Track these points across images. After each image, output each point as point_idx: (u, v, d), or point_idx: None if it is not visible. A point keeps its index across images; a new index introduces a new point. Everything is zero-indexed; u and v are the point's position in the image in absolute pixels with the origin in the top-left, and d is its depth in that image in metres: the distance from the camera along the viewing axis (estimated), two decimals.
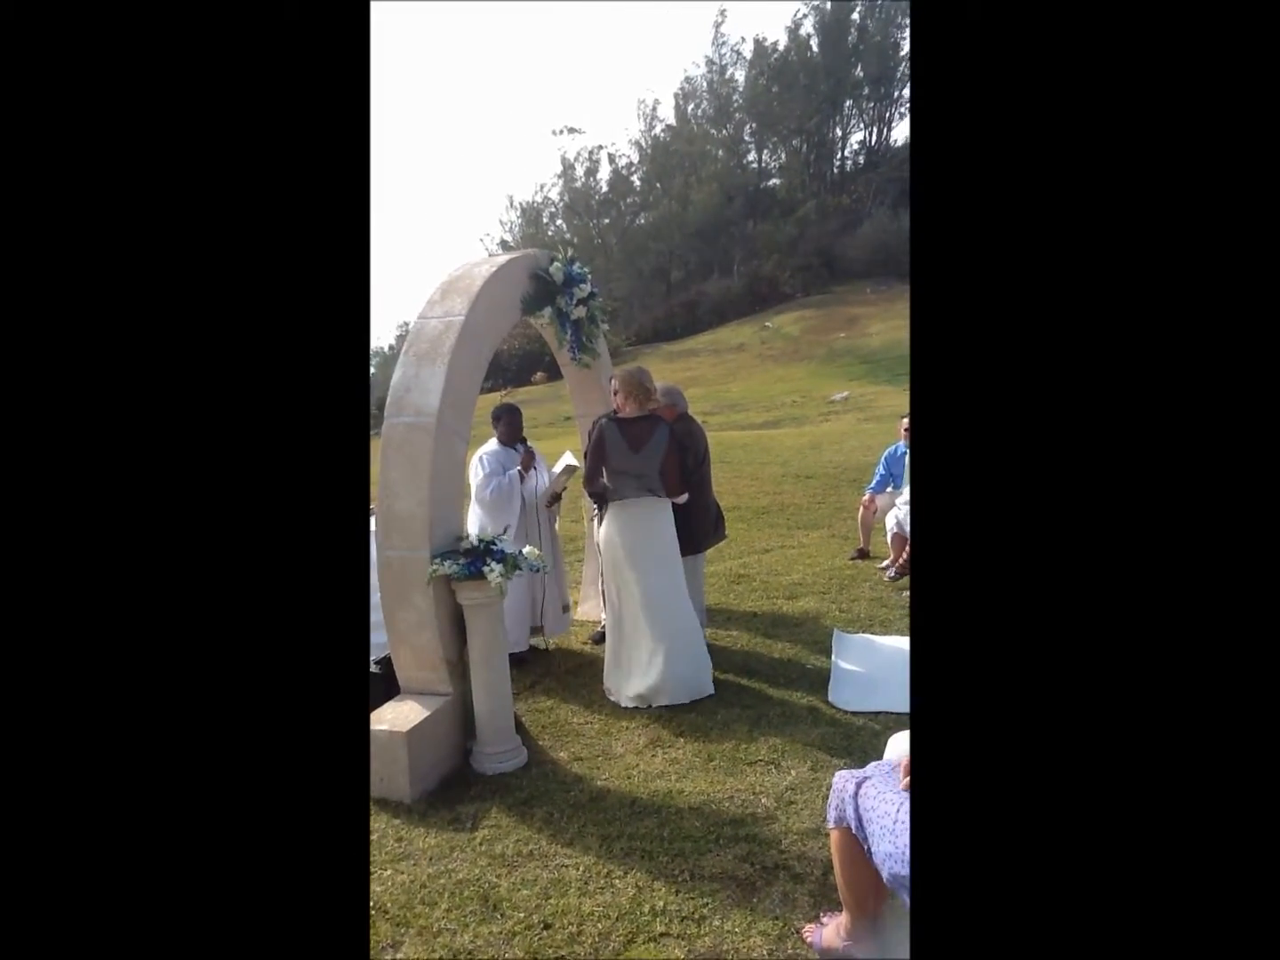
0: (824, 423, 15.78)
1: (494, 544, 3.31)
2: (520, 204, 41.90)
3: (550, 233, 39.46)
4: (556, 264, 4.22)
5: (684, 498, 4.04)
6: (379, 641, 4.06)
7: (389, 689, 3.47)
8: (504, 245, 40.26)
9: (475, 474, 4.33)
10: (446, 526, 3.39)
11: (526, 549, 3.49)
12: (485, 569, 3.20)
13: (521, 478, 4.39)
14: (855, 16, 36.92)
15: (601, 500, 4.04)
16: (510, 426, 4.46)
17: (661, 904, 2.39)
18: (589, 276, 4.46)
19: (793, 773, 3.12)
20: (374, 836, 2.84)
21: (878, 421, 13.92)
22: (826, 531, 7.19)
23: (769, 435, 14.01)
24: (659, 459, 3.86)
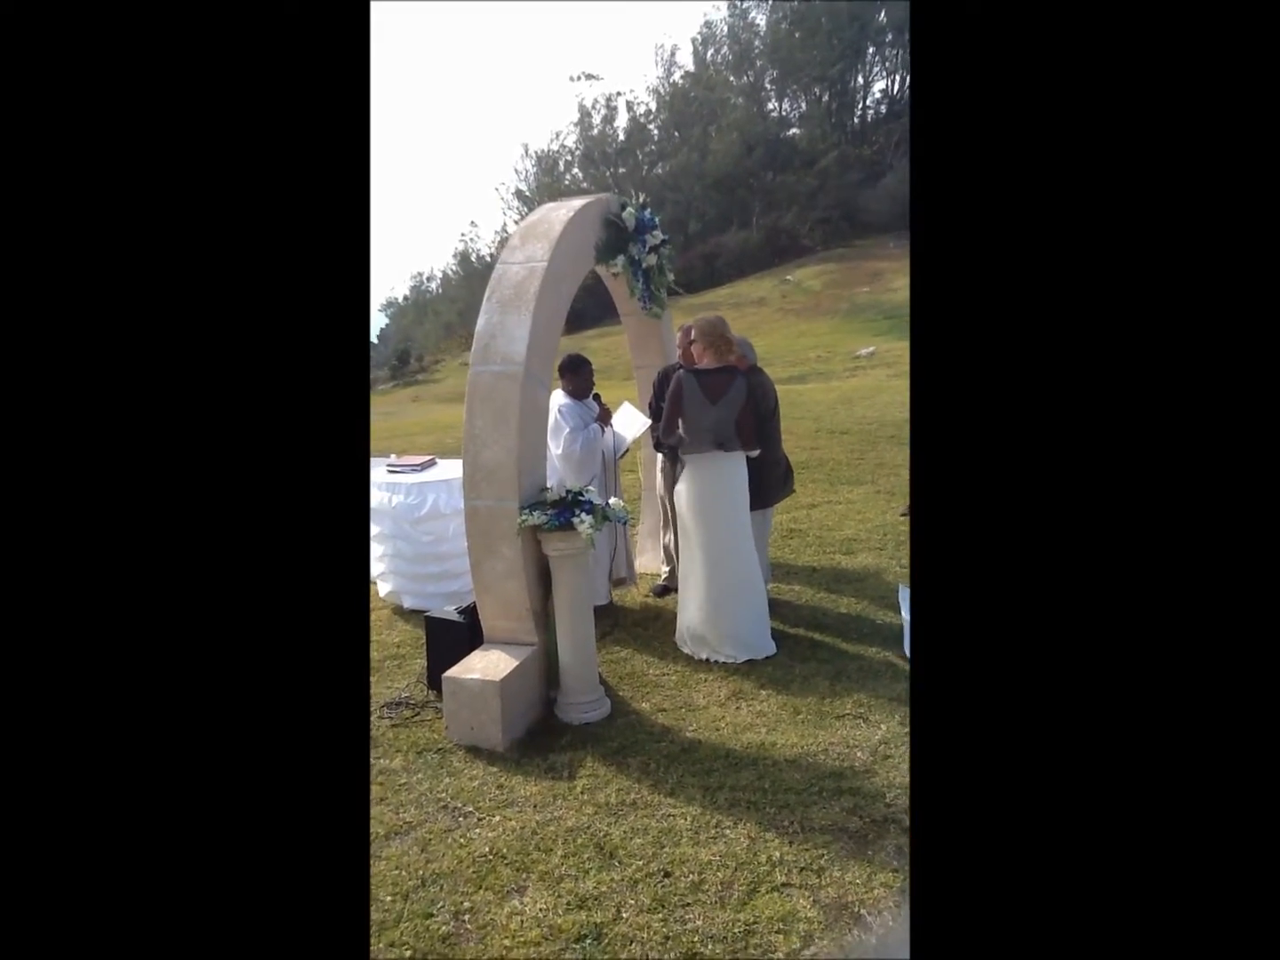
0: (851, 378, 15.63)
1: (582, 495, 3.27)
2: (536, 152, 41.07)
3: (566, 181, 38.75)
4: (629, 210, 4.13)
5: (757, 451, 3.99)
6: (461, 589, 4.08)
7: (472, 638, 3.46)
8: (519, 195, 39.63)
9: (558, 428, 4.20)
10: (533, 477, 3.35)
11: (613, 500, 3.45)
12: (575, 520, 3.16)
13: (602, 430, 4.33)
14: None
15: (674, 454, 3.98)
16: (582, 379, 4.34)
17: (778, 855, 2.39)
18: (659, 223, 4.37)
19: (883, 727, 3.11)
20: (474, 784, 2.86)
21: (907, 378, 13.76)
22: (870, 487, 7.14)
23: (796, 390, 13.87)
24: (735, 411, 3.79)
